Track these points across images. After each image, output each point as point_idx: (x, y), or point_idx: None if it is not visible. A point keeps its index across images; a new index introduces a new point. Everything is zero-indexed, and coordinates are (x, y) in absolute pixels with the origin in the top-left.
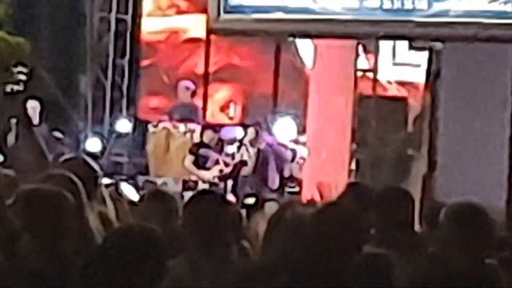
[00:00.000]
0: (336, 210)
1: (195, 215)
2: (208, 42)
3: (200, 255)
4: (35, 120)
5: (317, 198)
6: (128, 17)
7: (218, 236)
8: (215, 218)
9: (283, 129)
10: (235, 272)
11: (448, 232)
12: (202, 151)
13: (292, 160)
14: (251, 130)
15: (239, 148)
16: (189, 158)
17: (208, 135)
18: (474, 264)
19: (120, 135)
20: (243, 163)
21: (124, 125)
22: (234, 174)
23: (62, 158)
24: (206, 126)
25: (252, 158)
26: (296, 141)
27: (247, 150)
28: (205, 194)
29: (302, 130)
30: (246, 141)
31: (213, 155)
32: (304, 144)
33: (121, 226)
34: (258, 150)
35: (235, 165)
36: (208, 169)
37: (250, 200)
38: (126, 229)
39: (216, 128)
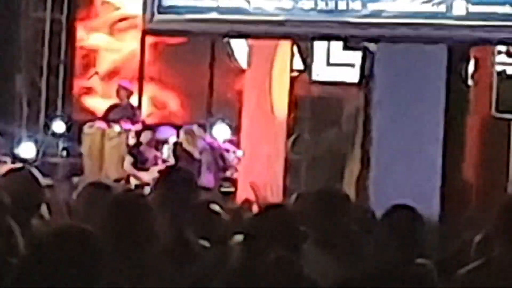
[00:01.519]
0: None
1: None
2: (143, 42)
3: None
4: None
5: (251, 198)
6: (63, 17)
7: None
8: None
9: (219, 132)
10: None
11: (382, 232)
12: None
13: (228, 161)
14: (184, 131)
15: (174, 149)
16: (128, 160)
17: (146, 136)
18: (406, 264)
19: (55, 136)
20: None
21: (59, 126)
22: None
23: (5, 168)
24: (144, 127)
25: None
26: (230, 141)
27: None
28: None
29: (236, 131)
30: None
31: (152, 154)
32: (238, 144)
33: (55, 227)
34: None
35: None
36: (147, 170)
37: None
38: (59, 230)
39: (154, 128)
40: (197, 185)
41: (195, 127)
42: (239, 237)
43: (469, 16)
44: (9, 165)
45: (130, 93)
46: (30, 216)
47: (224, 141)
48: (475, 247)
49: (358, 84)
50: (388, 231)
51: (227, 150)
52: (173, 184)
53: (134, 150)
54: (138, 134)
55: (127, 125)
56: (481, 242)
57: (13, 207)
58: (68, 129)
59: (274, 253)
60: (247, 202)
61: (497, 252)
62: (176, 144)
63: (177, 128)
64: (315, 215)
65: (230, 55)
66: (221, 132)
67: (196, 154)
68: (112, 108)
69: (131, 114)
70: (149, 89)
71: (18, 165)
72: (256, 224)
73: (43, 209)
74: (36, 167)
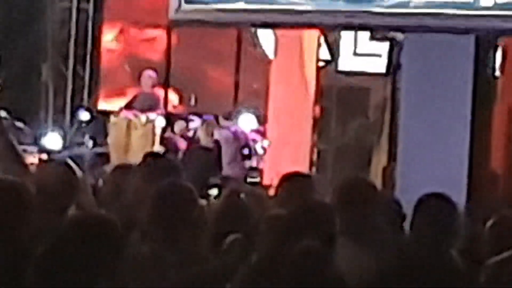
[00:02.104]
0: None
1: (160, 204)
2: (169, 32)
3: (165, 245)
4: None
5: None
6: (90, 7)
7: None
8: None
9: (245, 121)
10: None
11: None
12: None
13: (254, 150)
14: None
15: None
16: (159, 150)
17: (179, 126)
18: (437, 255)
19: (81, 125)
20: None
21: (85, 115)
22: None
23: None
24: (176, 117)
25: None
26: (257, 131)
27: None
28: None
29: (263, 121)
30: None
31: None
32: (265, 134)
33: (78, 214)
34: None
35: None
36: None
37: (214, 191)
38: (83, 217)
39: (185, 118)
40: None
41: (220, 118)
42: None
43: (497, 6)
44: (36, 156)
45: (155, 82)
46: (66, 208)
47: (251, 131)
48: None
49: (385, 75)
50: (423, 220)
51: (254, 140)
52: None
53: (166, 140)
54: (171, 124)
55: (153, 115)
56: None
57: (49, 198)
58: (93, 118)
59: (303, 244)
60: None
61: None
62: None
63: (203, 118)
64: (341, 205)
65: (257, 45)
66: (247, 121)
67: (210, 145)
68: (136, 97)
69: (156, 103)
70: (175, 79)
71: (46, 156)
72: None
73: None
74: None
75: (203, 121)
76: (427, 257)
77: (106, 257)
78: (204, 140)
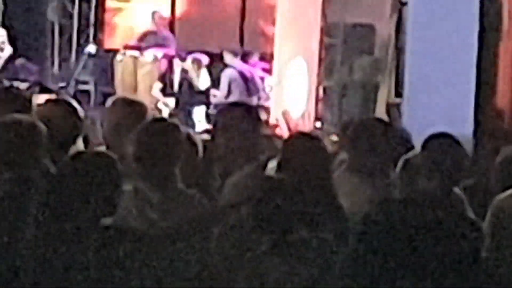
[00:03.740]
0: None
1: (147, 142)
2: None
3: (150, 185)
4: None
5: (283, 126)
6: None
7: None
8: (166, 146)
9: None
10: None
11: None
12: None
13: (260, 88)
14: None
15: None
16: (157, 86)
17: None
18: (442, 193)
19: (88, 60)
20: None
21: (91, 48)
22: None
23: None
24: (188, 53)
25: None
26: (263, 69)
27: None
28: (158, 121)
29: (269, 58)
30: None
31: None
32: (271, 72)
33: (76, 152)
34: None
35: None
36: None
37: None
38: (82, 155)
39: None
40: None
41: (226, 55)
42: (273, 163)
43: None
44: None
45: (164, 21)
46: (68, 147)
47: (257, 67)
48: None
49: (391, 12)
50: (429, 159)
51: (262, 78)
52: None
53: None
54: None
55: (159, 53)
56: None
57: (51, 137)
58: (99, 51)
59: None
60: (277, 126)
61: None
62: (182, 70)
63: (210, 55)
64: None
65: None
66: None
67: (198, 84)
68: (145, 35)
69: (165, 41)
70: (182, 17)
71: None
72: (289, 151)
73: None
74: (69, 94)
75: (193, 59)
76: (427, 193)
77: (106, 194)
78: (195, 79)
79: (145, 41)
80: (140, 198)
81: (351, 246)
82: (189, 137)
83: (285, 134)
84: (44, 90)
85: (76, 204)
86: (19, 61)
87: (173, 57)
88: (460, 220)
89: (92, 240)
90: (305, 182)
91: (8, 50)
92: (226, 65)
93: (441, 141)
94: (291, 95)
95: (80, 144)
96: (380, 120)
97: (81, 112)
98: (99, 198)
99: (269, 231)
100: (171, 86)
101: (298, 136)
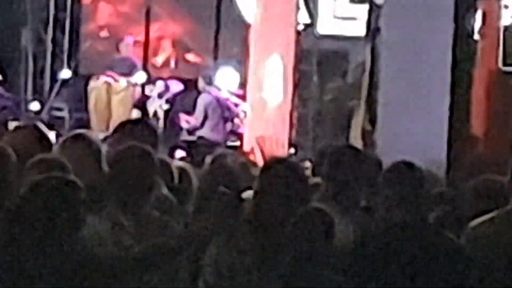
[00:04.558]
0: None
1: (119, 169)
2: None
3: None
4: None
5: (257, 152)
6: None
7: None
8: (141, 172)
9: (226, 80)
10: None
11: (387, 190)
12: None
13: (235, 114)
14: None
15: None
16: (134, 113)
17: (158, 88)
18: (412, 220)
19: (61, 87)
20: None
21: (65, 73)
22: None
23: (12, 125)
24: (156, 78)
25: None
26: (238, 95)
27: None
28: (131, 148)
29: (242, 84)
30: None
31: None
32: (245, 98)
33: (42, 177)
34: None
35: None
36: None
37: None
38: (46, 180)
39: (164, 81)
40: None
41: (200, 80)
42: (249, 192)
43: None
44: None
45: (133, 47)
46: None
47: (232, 94)
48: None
49: (365, 38)
50: (390, 187)
51: (236, 105)
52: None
53: (141, 104)
54: (143, 86)
55: (134, 79)
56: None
57: (20, 162)
58: (74, 76)
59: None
60: (251, 153)
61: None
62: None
63: (184, 81)
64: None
65: (236, 9)
66: (229, 82)
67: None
68: (118, 61)
69: (136, 68)
70: (154, 43)
71: (25, 121)
72: (266, 178)
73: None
74: (43, 121)
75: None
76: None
77: (67, 220)
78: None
79: (118, 67)
80: (113, 224)
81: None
82: (164, 164)
83: (259, 160)
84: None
85: (36, 230)
86: None
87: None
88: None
89: (53, 268)
90: (284, 208)
91: None
92: (199, 92)
93: (401, 170)
94: (265, 121)
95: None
96: (352, 148)
97: (51, 138)
98: (60, 226)
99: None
100: (147, 114)
101: (276, 163)
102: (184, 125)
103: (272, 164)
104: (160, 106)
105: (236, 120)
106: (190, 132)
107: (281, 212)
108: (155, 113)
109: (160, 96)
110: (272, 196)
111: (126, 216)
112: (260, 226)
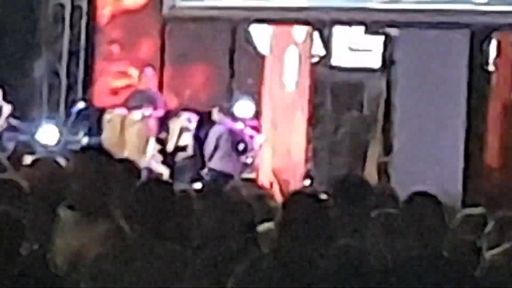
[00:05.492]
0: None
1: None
2: (163, 29)
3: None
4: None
5: (273, 185)
6: (84, 3)
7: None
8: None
9: (242, 111)
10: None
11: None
12: None
13: (249, 146)
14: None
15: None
16: (153, 145)
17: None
18: (430, 253)
19: (76, 118)
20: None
21: (81, 104)
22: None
23: (29, 159)
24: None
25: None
26: (252, 127)
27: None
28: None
29: (257, 116)
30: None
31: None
32: (260, 130)
33: None
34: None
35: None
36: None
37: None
38: None
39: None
40: None
41: (214, 113)
42: (268, 225)
43: (491, 1)
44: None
45: (152, 79)
46: (57, 205)
47: (246, 125)
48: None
49: (380, 70)
50: (408, 219)
51: (251, 136)
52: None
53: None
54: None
55: (149, 111)
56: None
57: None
58: (89, 107)
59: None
60: (270, 187)
61: None
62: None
63: (199, 113)
64: (338, 201)
65: (251, 41)
66: (244, 108)
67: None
68: (134, 94)
69: (153, 100)
70: (169, 74)
71: (41, 154)
72: (290, 211)
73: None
74: (58, 154)
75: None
76: (417, 258)
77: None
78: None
79: (133, 99)
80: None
81: None
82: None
83: (277, 193)
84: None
85: None
86: (12, 121)
87: (163, 116)
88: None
89: None
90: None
91: (7, 108)
92: (214, 123)
93: (421, 201)
94: (280, 153)
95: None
96: (362, 180)
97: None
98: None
99: None
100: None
101: (300, 195)
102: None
103: (296, 196)
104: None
105: (251, 152)
106: (203, 164)
107: (307, 246)
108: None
109: (184, 128)
110: (297, 229)
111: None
112: (286, 261)
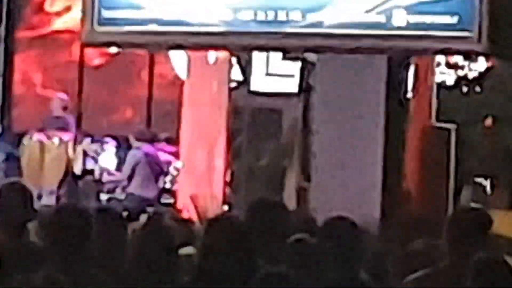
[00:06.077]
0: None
1: (55, 229)
2: (81, 54)
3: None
4: None
5: (191, 210)
6: (1, 28)
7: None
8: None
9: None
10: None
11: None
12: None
13: (167, 172)
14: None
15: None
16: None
17: (89, 146)
18: (347, 278)
19: None
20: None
21: None
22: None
23: None
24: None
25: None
26: (170, 153)
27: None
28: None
29: (175, 141)
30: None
31: None
32: (178, 155)
33: None
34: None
35: None
36: None
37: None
38: None
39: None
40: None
41: (131, 138)
42: (188, 249)
43: (409, 26)
44: None
45: (65, 105)
46: None
47: (164, 150)
48: (418, 256)
49: (298, 95)
50: (327, 242)
51: (168, 162)
52: None
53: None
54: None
55: (66, 136)
56: (424, 252)
57: None
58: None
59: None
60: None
61: (446, 262)
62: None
63: (116, 139)
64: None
65: (170, 66)
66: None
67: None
68: (49, 119)
69: (68, 126)
70: (87, 99)
71: None
72: (212, 234)
73: None
74: None
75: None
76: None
77: None
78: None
79: (49, 125)
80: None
81: None
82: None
83: (194, 218)
84: None
85: None
86: None
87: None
88: None
89: None
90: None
91: None
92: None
93: (338, 224)
94: (198, 179)
95: None
96: (279, 203)
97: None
98: None
99: None
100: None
101: (220, 219)
102: (105, 178)
103: (217, 220)
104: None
105: (168, 177)
106: (122, 189)
107: (229, 272)
108: (90, 171)
109: (96, 153)
110: (220, 252)
111: (64, 275)
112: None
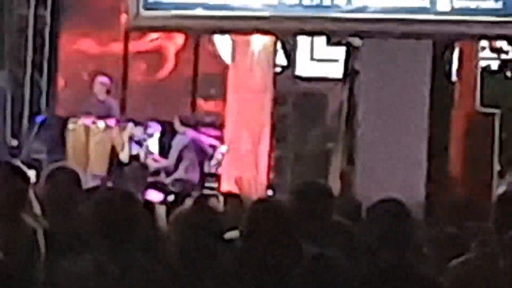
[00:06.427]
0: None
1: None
2: (126, 39)
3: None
4: None
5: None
6: (47, 14)
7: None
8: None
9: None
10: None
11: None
12: None
13: (212, 156)
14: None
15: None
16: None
17: (134, 131)
18: (399, 259)
19: (39, 130)
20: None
21: (43, 115)
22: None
23: None
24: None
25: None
26: (215, 137)
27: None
28: (114, 191)
29: (221, 126)
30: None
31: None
32: (223, 140)
33: None
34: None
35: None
36: None
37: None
38: None
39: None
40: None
41: (176, 121)
42: (233, 233)
43: (453, 11)
44: None
45: (108, 89)
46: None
47: (209, 135)
48: (464, 240)
49: (342, 80)
50: (374, 225)
51: (213, 146)
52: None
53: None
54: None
55: (111, 121)
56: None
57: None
58: (51, 121)
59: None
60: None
61: (492, 246)
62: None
63: (162, 123)
64: (298, 209)
65: (214, 50)
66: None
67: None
68: (95, 103)
69: (110, 111)
70: (133, 86)
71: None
72: (251, 220)
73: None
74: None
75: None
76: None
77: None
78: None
79: (92, 109)
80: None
81: None
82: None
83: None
84: None
85: None
86: None
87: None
88: None
89: None
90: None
91: None
92: (176, 133)
93: (387, 206)
94: (242, 163)
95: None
96: (325, 187)
97: (30, 177)
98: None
99: None
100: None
101: (264, 203)
102: (151, 164)
103: (262, 204)
104: (144, 147)
105: (213, 162)
106: (167, 174)
107: (275, 255)
108: (136, 156)
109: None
110: (265, 236)
111: (110, 259)
112: (254, 270)
